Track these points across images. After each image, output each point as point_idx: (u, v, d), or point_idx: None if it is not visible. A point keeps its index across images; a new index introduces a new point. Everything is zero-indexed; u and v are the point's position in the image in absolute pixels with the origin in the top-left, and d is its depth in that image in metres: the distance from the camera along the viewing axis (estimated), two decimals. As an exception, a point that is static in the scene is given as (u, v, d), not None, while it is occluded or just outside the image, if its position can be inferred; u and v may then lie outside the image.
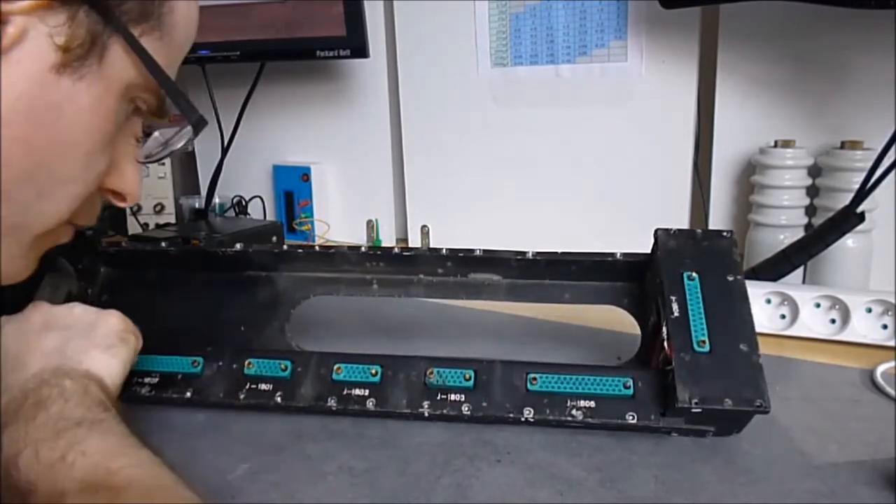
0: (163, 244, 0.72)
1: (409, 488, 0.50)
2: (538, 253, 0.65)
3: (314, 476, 0.52)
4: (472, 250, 0.66)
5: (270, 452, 0.55)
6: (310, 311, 0.72)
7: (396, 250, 0.66)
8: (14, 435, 0.44)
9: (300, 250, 0.68)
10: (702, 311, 0.55)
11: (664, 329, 0.56)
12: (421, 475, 0.52)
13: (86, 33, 0.40)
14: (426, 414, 0.57)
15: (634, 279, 0.66)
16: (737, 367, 0.53)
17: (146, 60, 0.43)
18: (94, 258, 0.73)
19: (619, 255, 0.64)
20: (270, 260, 0.70)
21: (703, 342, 0.54)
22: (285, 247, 0.70)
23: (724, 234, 0.61)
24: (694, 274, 0.57)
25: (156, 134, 0.49)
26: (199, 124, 0.48)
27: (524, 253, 0.65)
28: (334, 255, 0.68)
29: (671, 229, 0.62)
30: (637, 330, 0.66)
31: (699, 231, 0.62)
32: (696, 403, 0.51)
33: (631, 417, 0.54)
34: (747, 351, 0.53)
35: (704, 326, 0.54)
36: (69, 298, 0.70)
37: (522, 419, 0.56)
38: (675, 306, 0.56)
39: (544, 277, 0.66)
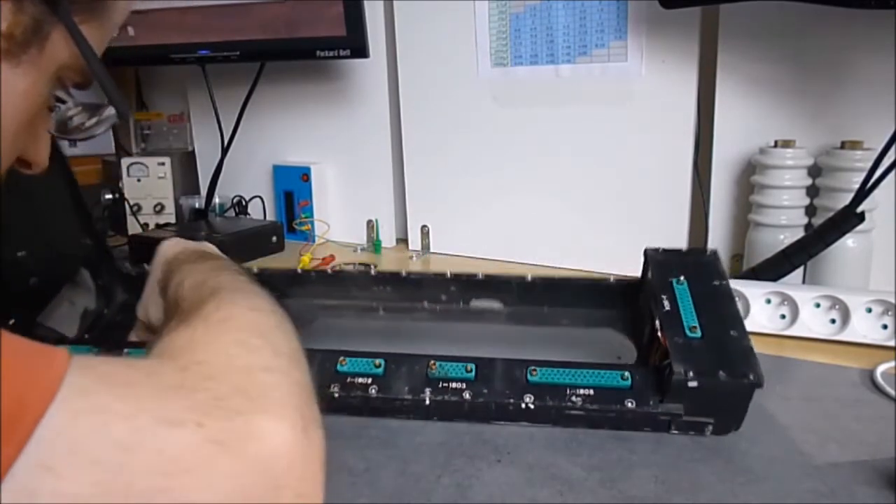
0: None
1: (409, 488, 0.50)
2: (536, 277, 0.69)
3: (314, 476, 0.52)
4: (474, 274, 0.70)
5: (270, 452, 0.55)
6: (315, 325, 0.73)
7: (403, 273, 0.70)
8: (178, 276, 0.52)
9: (312, 274, 0.73)
10: (691, 306, 0.58)
11: (657, 322, 0.58)
12: (421, 475, 0.52)
13: (30, 20, 0.39)
14: (427, 401, 0.58)
15: (628, 302, 0.68)
16: (729, 348, 0.56)
17: (84, 49, 0.42)
18: (113, 278, 0.76)
19: (612, 279, 0.68)
20: (284, 282, 0.73)
21: (695, 328, 0.57)
22: (299, 270, 0.74)
23: (708, 252, 0.65)
24: (682, 278, 0.61)
25: (72, 115, 0.49)
26: (124, 112, 0.48)
27: (523, 277, 0.69)
28: (344, 279, 0.72)
29: (658, 248, 0.66)
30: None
31: (684, 249, 0.67)
32: (691, 376, 0.53)
33: (630, 403, 0.56)
34: (737, 336, 0.56)
35: (695, 317, 0.57)
36: (85, 315, 0.70)
37: (523, 405, 0.57)
38: (666, 303, 0.59)
39: (543, 304, 0.69)
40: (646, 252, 0.65)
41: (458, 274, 0.70)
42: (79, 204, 0.72)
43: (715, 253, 0.64)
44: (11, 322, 0.63)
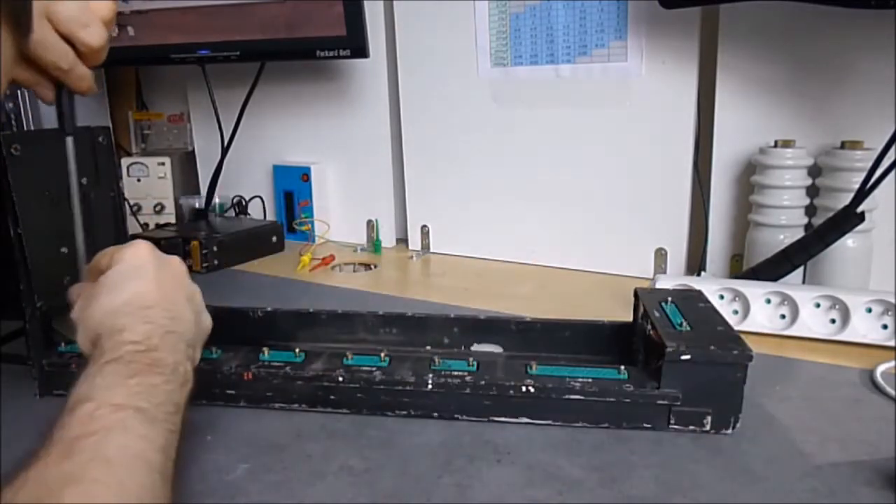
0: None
1: (409, 488, 0.50)
2: (534, 319, 0.74)
3: (314, 476, 0.52)
4: (476, 316, 0.75)
5: (270, 452, 0.56)
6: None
7: (409, 314, 0.75)
8: (86, 385, 0.42)
9: (323, 315, 0.76)
10: (680, 315, 0.63)
11: (648, 328, 0.62)
12: (421, 475, 0.52)
13: None
14: (430, 384, 0.59)
15: (621, 346, 0.71)
16: (717, 335, 0.59)
17: None
18: None
19: (605, 321, 0.72)
20: (293, 320, 0.77)
21: (684, 324, 0.61)
22: (310, 309, 0.77)
23: (692, 291, 0.72)
24: (670, 300, 0.67)
25: None
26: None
27: (523, 317, 0.75)
28: (353, 318, 0.75)
29: (648, 288, 0.73)
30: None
31: (670, 288, 0.77)
32: (684, 349, 0.56)
33: (628, 387, 0.57)
34: (724, 329, 0.61)
35: (684, 320, 0.62)
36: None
37: (524, 389, 0.58)
38: (656, 314, 0.63)
39: (541, 349, 0.73)
40: (636, 291, 0.70)
41: (462, 316, 0.75)
42: (120, 232, 0.74)
43: (699, 292, 0.71)
44: (39, 305, 0.65)
